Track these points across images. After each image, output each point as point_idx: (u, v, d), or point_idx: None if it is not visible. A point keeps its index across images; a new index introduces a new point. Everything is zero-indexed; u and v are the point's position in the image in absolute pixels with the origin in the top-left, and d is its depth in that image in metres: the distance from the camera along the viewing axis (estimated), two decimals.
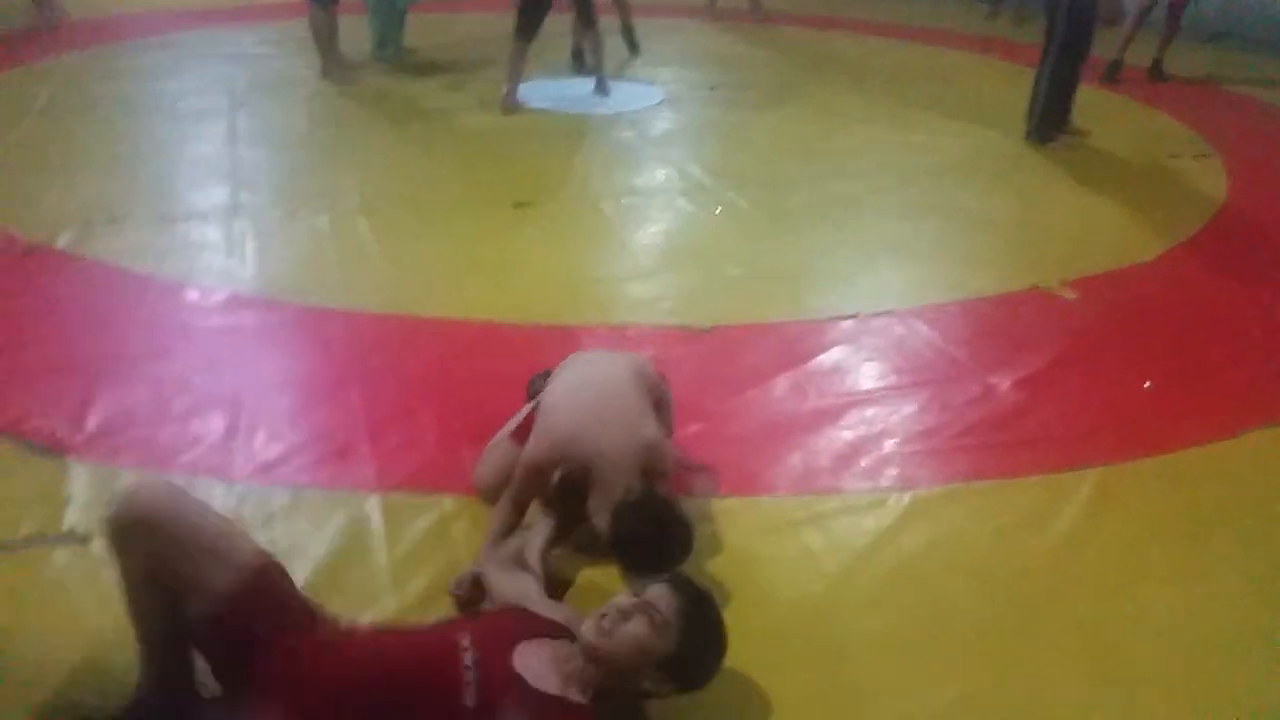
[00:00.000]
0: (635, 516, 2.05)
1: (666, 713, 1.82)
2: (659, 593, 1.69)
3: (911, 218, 4.58)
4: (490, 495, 2.36)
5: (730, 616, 1.81)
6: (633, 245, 4.23)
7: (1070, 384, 3.14)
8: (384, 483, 2.49)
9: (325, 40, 6.42)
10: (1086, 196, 4.95)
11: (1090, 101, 5.88)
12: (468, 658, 1.64)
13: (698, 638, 1.71)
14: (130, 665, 1.79)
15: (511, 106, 6.02)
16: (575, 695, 1.67)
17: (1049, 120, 5.63)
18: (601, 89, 6.48)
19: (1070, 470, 2.69)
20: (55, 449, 2.56)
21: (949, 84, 7.23)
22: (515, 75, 6.05)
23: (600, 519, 2.13)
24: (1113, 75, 7.11)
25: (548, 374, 2.50)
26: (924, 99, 6.74)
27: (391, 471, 2.54)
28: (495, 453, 2.45)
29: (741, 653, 1.86)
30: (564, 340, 3.25)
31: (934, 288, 3.80)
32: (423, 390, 2.93)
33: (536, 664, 1.69)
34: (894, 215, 4.62)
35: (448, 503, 2.43)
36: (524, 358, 3.15)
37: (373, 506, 2.40)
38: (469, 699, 1.60)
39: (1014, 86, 6.90)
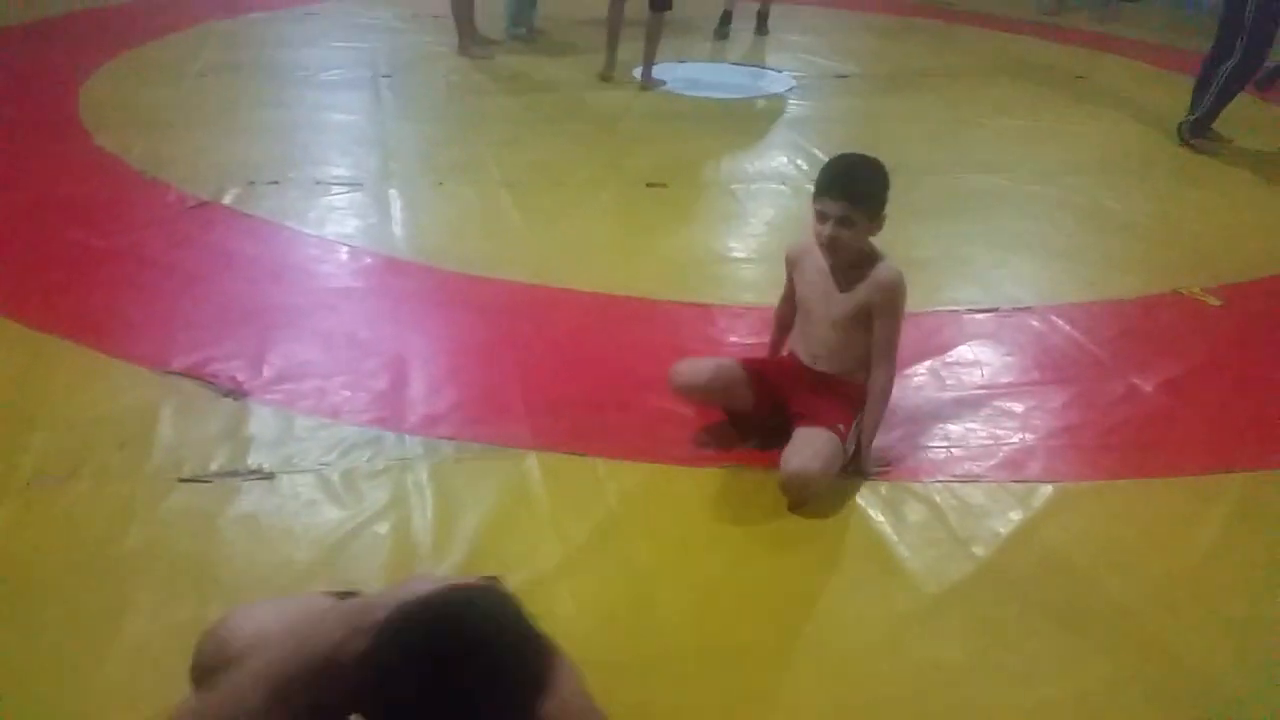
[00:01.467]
0: None
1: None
2: None
3: (1048, 214, 4.53)
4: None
5: (879, 594, 1.87)
6: (763, 228, 4.28)
7: (1216, 389, 3.10)
8: (540, 442, 2.61)
9: (464, 17, 6.60)
10: (1231, 202, 4.83)
11: (1240, 106, 5.70)
12: None
13: None
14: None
15: (648, 84, 6.13)
16: None
17: (1204, 122, 5.50)
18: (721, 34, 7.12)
19: (1216, 474, 2.67)
20: (237, 392, 2.74)
21: (1084, 80, 7.07)
22: (650, 53, 6.14)
23: None
24: (1269, 83, 6.85)
25: None
26: (1060, 94, 6.61)
27: (545, 431, 2.66)
28: None
29: (891, 632, 1.92)
30: (699, 317, 3.35)
31: (1072, 286, 3.77)
32: (572, 357, 3.05)
33: None
34: (1030, 210, 4.57)
35: (599, 465, 2.54)
36: (661, 330, 3.25)
37: (531, 463, 2.52)
38: None
39: (1151, 86, 6.73)
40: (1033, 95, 6.62)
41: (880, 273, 2.49)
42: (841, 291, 2.53)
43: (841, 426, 2.51)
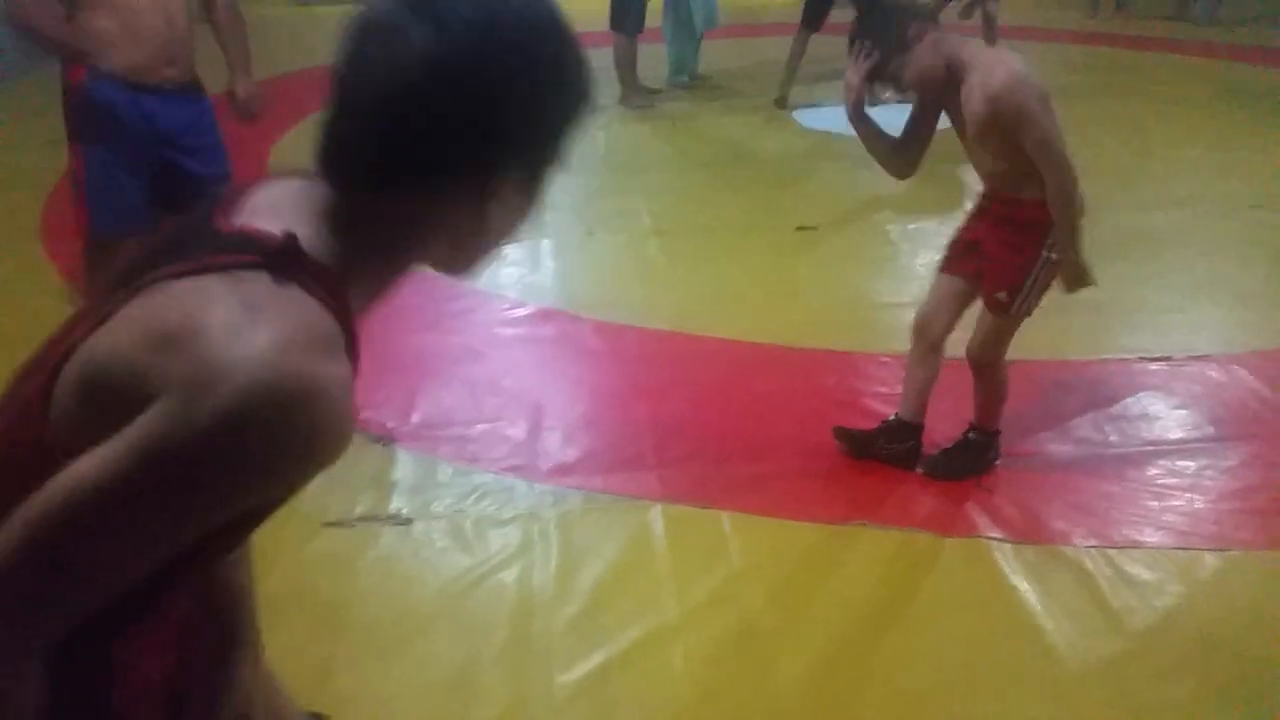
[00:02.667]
0: None
1: None
2: None
3: (1233, 253, 4.19)
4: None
5: (1016, 673, 1.75)
6: (918, 271, 4.13)
7: None
8: (667, 493, 2.60)
9: (627, 69, 6.76)
10: None
11: None
12: None
13: None
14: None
15: (781, 104, 6.41)
16: None
17: None
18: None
19: None
20: (386, 438, 2.88)
21: (1261, 104, 6.52)
22: (790, 73, 6.47)
23: None
24: None
25: None
26: (1253, 119, 6.13)
27: (673, 483, 2.65)
28: None
29: (1023, 711, 1.79)
30: (845, 365, 3.27)
31: (1258, 333, 3.46)
32: (705, 407, 3.03)
33: None
34: (1213, 249, 4.24)
35: (725, 519, 2.51)
36: (803, 381, 3.19)
37: (655, 515, 2.52)
38: None
39: None
40: (1221, 121, 6.16)
41: (972, 86, 2.34)
42: (961, 109, 2.39)
43: (1020, 266, 2.44)
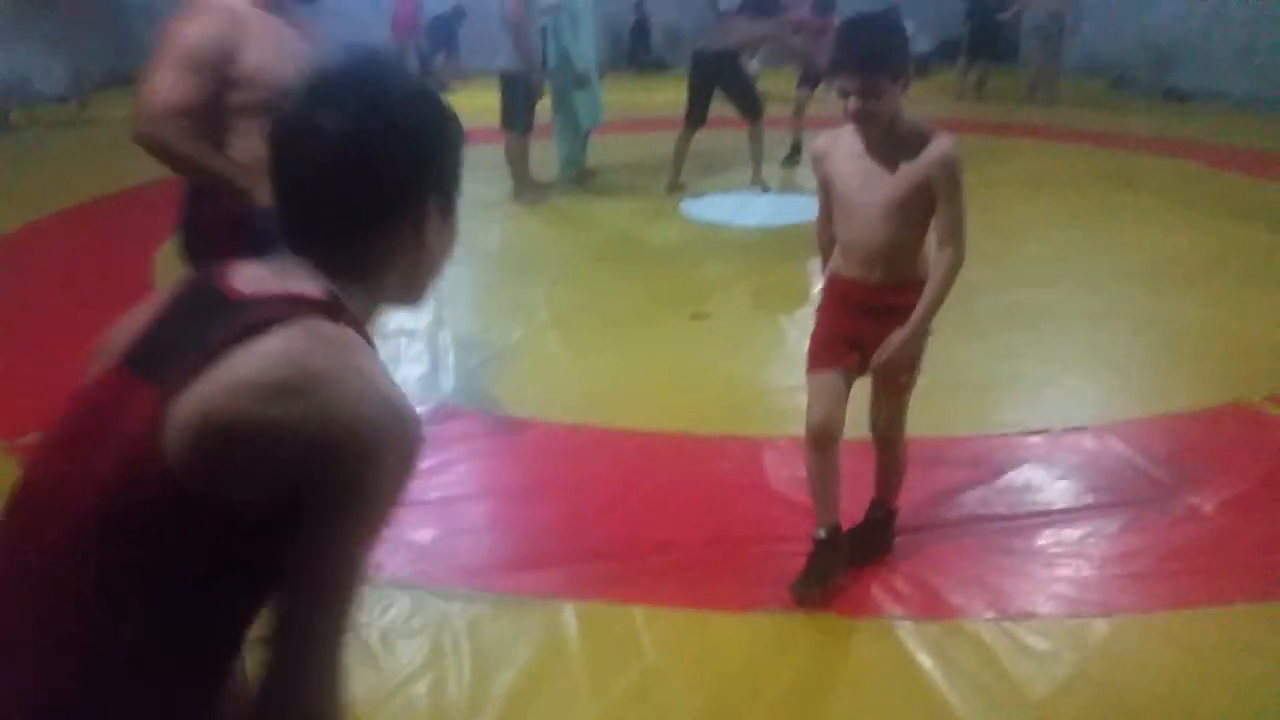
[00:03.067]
0: None
1: None
2: None
3: (1101, 326, 4.47)
4: None
5: None
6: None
7: (1276, 512, 2.97)
8: (578, 591, 2.60)
9: (518, 164, 6.89)
10: None
11: None
12: None
13: None
14: None
15: (671, 189, 6.92)
16: None
17: None
18: (759, 185, 7.07)
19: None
20: None
21: (1128, 187, 7.05)
22: (677, 165, 6.93)
23: None
24: None
25: None
26: (1108, 200, 6.59)
27: (584, 580, 2.65)
28: None
29: None
30: (746, 451, 3.33)
31: (1128, 401, 3.69)
32: (612, 500, 3.05)
33: None
34: (1083, 323, 4.52)
35: (637, 613, 2.51)
36: (706, 467, 3.24)
37: (568, 615, 2.51)
38: None
39: (1200, 185, 6.67)
40: (1079, 204, 6.61)
41: (937, 147, 2.27)
42: (891, 173, 2.30)
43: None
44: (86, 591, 0.92)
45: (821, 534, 2.56)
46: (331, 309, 1.00)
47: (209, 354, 0.92)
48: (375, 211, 1.05)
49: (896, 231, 2.34)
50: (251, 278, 1.02)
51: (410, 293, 1.14)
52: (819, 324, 2.58)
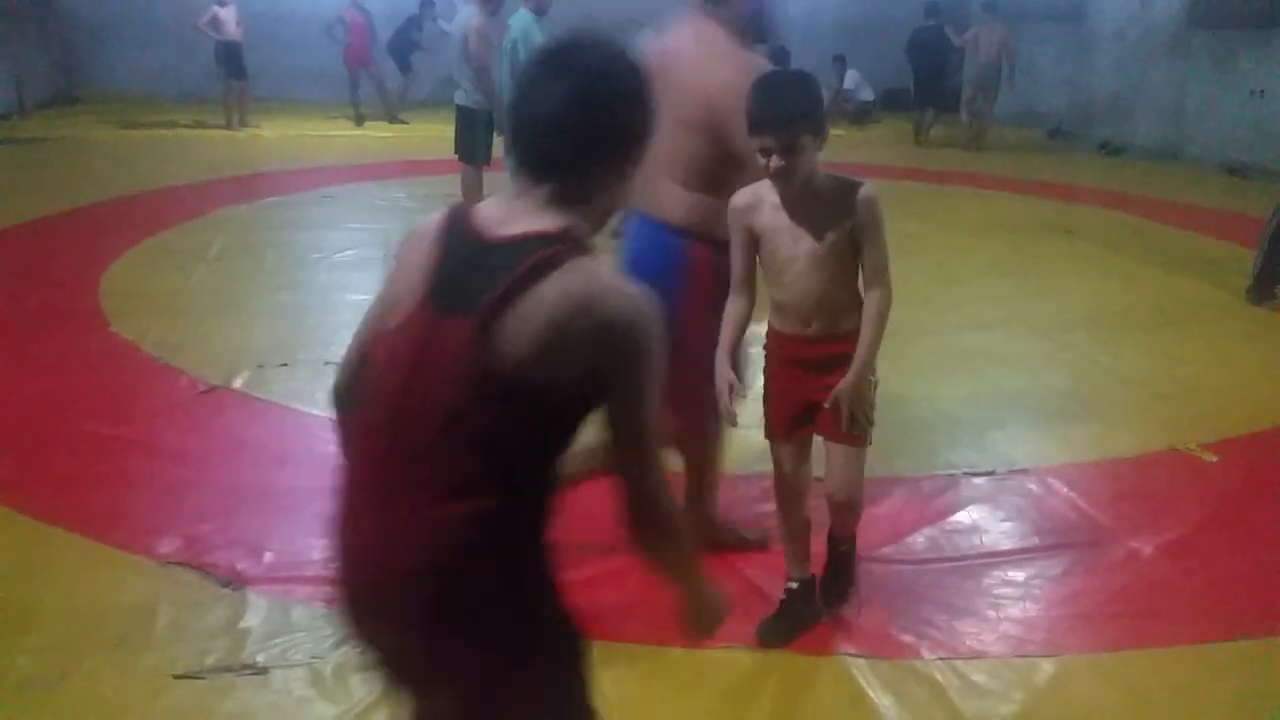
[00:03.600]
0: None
1: None
2: None
3: (1044, 371, 4.60)
4: None
5: None
6: (753, 395, 4.34)
7: (1217, 550, 3.08)
8: None
9: (473, 196, 6.91)
10: (1224, 354, 4.90)
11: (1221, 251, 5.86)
12: None
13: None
14: None
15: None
16: None
17: (1263, 279, 5.60)
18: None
19: (1223, 642, 2.62)
20: (236, 582, 2.76)
21: (1072, 234, 7.29)
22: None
23: None
24: None
25: None
26: (1049, 250, 6.80)
27: None
28: None
29: None
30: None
31: (1068, 446, 3.80)
32: (569, 531, 3.04)
33: None
34: (1026, 368, 4.65)
35: (596, 649, 2.51)
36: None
37: None
38: None
39: (1135, 237, 6.90)
40: (1023, 251, 6.81)
41: (855, 191, 2.29)
42: (815, 223, 2.31)
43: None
44: (451, 459, 1.29)
45: (793, 585, 2.60)
46: (573, 239, 1.32)
47: (505, 292, 1.25)
48: (606, 147, 1.36)
49: (828, 282, 2.34)
50: (496, 219, 1.34)
51: (604, 220, 1.42)
52: (768, 388, 2.57)
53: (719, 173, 2.52)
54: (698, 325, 2.50)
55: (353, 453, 1.43)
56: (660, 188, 2.56)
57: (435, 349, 1.29)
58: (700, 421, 2.71)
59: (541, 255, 1.28)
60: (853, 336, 2.37)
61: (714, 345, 2.46)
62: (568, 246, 1.30)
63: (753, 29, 2.63)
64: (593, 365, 1.27)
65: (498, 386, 1.26)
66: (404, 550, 1.30)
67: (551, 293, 1.26)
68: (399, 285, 1.37)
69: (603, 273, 1.31)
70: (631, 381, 1.30)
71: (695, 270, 2.59)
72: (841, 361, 2.37)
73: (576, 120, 1.33)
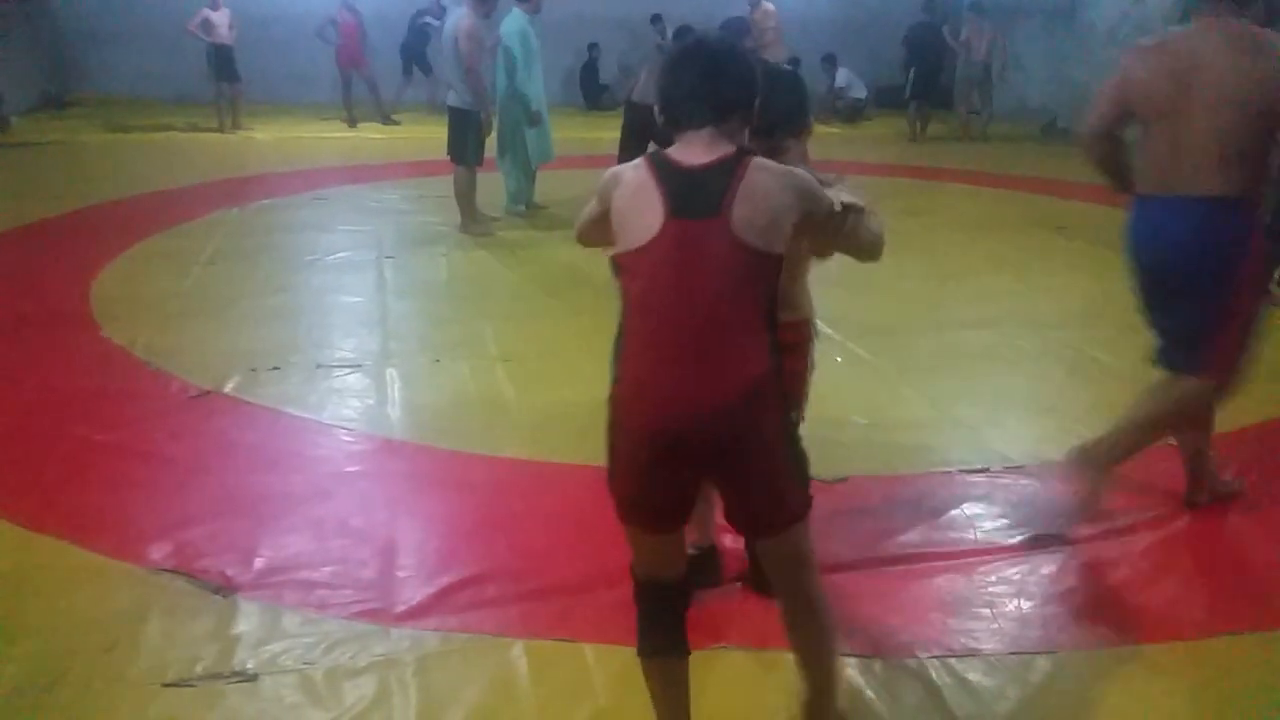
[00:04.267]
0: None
1: None
2: None
3: (1038, 369, 4.59)
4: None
5: None
6: None
7: (1212, 545, 3.07)
8: (528, 629, 2.58)
9: (466, 197, 6.90)
10: None
11: None
12: None
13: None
14: None
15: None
16: None
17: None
18: None
19: (1220, 637, 2.61)
20: (226, 589, 2.74)
21: (1065, 229, 7.28)
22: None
23: None
24: None
25: None
26: (1043, 246, 6.79)
27: (534, 617, 2.64)
28: None
29: None
30: None
31: (1063, 442, 3.75)
32: (561, 535, 3.05)
33: None
34: (1020, 366, 4.64)
35: (588, 651, 2.50)
36: None
37: (517, 653, 2.49)
38: None
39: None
40: (1016, 248, 6.80)
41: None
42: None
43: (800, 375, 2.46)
44: (728, 304, 1.81)
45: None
46: (748, 153, 1.90)
47: (729, 192, 1.82)
48: (747, 98, 1.97)
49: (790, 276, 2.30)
50: (691, 155, 1.90)
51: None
52: None
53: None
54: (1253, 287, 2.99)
55: (640, 324, 1.94)
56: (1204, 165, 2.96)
57: (696, 246, 1.81)
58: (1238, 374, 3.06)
59: (740, 164, 1.85)
60: (794, 326, 2.41)
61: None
62: (749, 156, 1.88)
63: None
64: (799, 211, 1.87)
65: (751, 255, 1.80)
66: (722, 385, 1.82)
67: (760, 180, 1.84)
68: (632, 217, 1.89)
69: (771, 162, 1.91)
70: (823, 206, 1.96)
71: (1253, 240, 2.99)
72: (790, 348, 2.25)
73: (735, 78, 1.95)
